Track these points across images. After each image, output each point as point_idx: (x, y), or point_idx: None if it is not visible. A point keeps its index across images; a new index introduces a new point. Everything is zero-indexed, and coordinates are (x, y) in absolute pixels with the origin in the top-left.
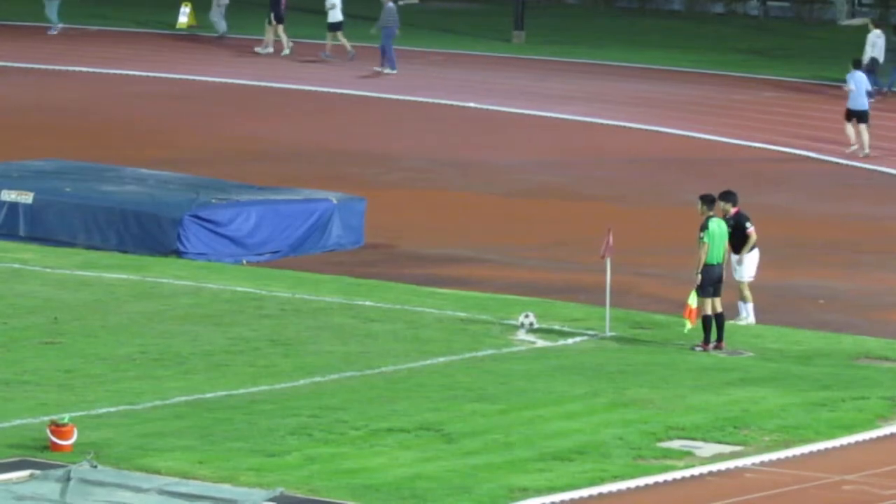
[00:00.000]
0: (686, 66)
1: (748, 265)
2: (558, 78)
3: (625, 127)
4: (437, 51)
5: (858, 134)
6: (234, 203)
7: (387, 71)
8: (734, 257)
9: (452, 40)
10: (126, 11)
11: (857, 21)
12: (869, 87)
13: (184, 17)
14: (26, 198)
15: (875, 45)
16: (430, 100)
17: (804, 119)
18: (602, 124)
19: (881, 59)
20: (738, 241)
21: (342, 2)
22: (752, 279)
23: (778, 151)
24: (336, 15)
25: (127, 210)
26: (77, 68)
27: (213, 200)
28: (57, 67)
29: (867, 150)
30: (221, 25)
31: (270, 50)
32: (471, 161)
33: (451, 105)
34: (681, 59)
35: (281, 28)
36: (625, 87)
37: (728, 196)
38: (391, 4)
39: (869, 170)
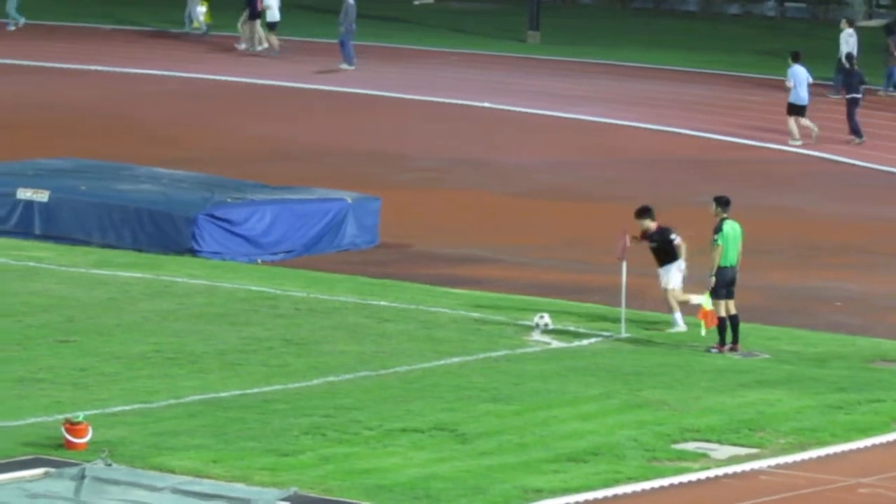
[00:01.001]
0: (700, 67)
1: (674, 273)
2: (573, 78)
3: (639, 127)
4: (452, 51)
5: (801, 127)
6: (249, 202)
7: (343, 66)
8: (660, 270)
9: (467, 40)
10: (141, 10)
11: (874, 22)
12: (810, 81)
13: (200, 15)
14: (42, 196)
15: (847, 43)
16: (445, 99)
17: (817, 121)
18: (616, 125)
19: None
20: (664, 254)
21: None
22: (678, 287)
23: (791, 153)
24: (273, 14)
25: (142, 209)
26: (91, 67)
27: (228, 199)
28: (71, 66)
29: (799, 140)
30: (190, 21)
31: (265, 45)
32: (485, 161)
33: (466, 105)
34: (695, 60)
35: (244, 23)
36: (639, 88)
37: (645, 212)
38: (352, 2)
39: (882, 171)
